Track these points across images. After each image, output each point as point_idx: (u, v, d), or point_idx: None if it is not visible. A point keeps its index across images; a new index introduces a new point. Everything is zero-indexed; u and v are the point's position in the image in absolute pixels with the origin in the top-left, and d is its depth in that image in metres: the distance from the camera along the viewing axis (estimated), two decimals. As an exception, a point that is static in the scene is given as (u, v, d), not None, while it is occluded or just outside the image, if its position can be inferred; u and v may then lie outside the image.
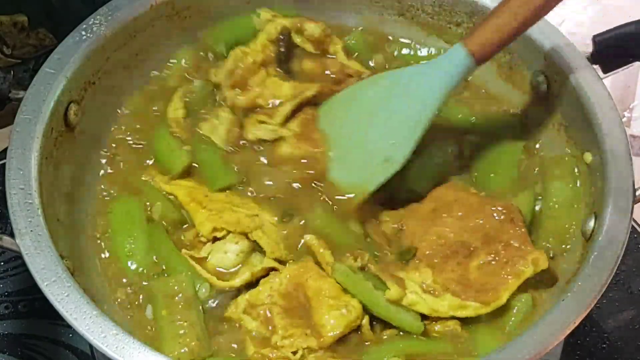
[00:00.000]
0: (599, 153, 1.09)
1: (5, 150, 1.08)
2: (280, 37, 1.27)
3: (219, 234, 1.11)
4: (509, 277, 1.07)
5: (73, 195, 1.15)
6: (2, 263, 1.36)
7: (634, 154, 1.29)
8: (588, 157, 1.13)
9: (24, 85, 1.13)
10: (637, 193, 1.05)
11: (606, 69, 1.20)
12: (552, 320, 0.95)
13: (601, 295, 0.97)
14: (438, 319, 1.07)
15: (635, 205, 1.05)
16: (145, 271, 1.11)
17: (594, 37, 1.19)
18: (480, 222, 1.13)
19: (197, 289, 1.08)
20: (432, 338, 1.06)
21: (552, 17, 1.13)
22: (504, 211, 1.13)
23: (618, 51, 1.18)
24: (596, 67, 1.18)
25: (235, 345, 1.04)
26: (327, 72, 1.27)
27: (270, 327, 1.03)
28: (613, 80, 1.52)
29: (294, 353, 1.01)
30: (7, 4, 1.44)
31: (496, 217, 1.13)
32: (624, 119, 1.54)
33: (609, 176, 1.06)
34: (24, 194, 1.02)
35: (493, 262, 1.09)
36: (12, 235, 0.99)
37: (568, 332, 0.94)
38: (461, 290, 1.07)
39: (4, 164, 1.04)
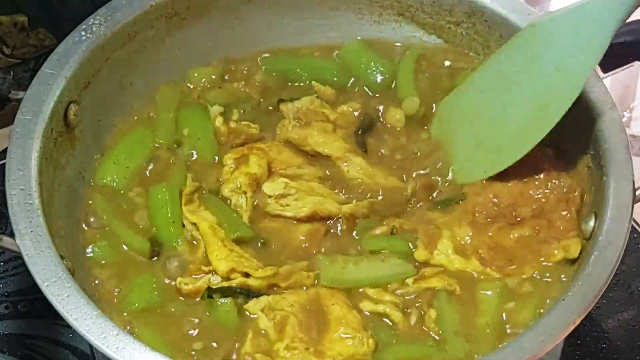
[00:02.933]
0: (599, 153, 1.10)
1: (5, 150, 1.08)
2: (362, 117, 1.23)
3: (233, 278, 1.07)
4: (540, 256, 1.09)
5: (73, 195, 1.15)
6: (2, 263, 1.35)
7: (634, 154, 1.29)
8: (588, 157, 1.13)
9: (24, 85, 1.13)
10: (637, 193, 1.05)
11: (606, 69, 1.20)
12: (552, 320, 0.95)
13: (601, 295, 0.97)
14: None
15: (635, 205, 1.05)
16: None
17: (594, 36, 1.19)
18: (539, 195, 1.12)
19: None
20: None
21: (553, 17, 1.13)
22: (565, 189, 1.12)
23: (618, 51, 1.18)
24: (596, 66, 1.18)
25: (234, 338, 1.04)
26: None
27: (279, 334, 1.02)
28: (613, 80, 1.52)
29: None
30: (7, 4, 1.44)
31: (555, 193, 1.11)
32: (624, 119, 1.53)
33: (609, 176, 1.06)
34: (24, 194, 1.02)
35: (532, 238, 1.10)
36: (12, 235, 0.99)
37: (568, 332, 0.94)
38: (490, 257, 1.08)
39: (4, 164, 1.04)
